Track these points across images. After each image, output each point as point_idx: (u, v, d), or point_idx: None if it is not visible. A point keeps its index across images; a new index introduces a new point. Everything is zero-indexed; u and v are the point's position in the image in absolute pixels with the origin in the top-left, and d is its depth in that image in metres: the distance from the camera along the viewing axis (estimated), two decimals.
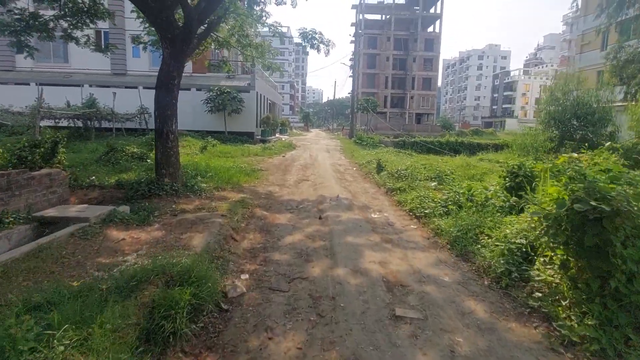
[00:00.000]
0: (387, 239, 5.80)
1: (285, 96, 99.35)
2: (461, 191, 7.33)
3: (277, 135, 31.97)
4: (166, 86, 7.53)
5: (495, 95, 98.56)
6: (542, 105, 14.26)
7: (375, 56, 60.95)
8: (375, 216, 7.23)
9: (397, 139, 22.69)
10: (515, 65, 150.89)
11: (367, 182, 11.59)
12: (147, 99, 23.64)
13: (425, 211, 6.81)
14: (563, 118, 13.57)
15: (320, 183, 10.94)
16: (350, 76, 69.54)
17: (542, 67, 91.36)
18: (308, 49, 11.56)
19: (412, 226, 6.55)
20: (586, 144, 14.94)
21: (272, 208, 7.73)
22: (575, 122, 13.48)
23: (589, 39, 32.69)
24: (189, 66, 25.46)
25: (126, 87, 24.02)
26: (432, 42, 61.21)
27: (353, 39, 67.97)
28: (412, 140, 22.19)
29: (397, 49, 60.90)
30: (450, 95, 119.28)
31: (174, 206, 6.86)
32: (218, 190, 8.66)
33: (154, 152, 12.92)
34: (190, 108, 24.12)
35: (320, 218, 6.89)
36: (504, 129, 72.69)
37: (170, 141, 7.66)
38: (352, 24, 67.85)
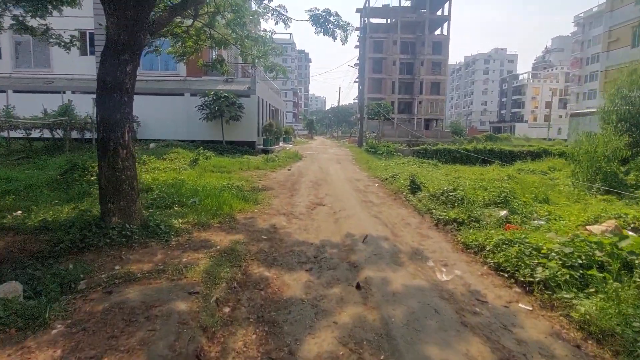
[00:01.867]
0: (503, 350, 3.04)
1: (288, 103, 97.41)
2: (581, 236, 4.61)
3: (281, 144, 29.38)
4: (113, 75, 4.88)
5: (504, 99, 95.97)
6: (607, 105, 11.62)
7: (381, 60, 58.63)
8: (446, 278, 4.48)
9: (418, 147, 20.04)
10: (522, 69, 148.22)
11: (400, 205, 8.85)
12: (135, 105, 21.16)
13: (536, 274, 4.06)
14: (636, 120, 10.89)
15: (341, 209, 8.22)
16: (355, 81, 67.31)
17: (552, 70, 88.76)
18: (322, 34, 8.91)
19: (521, 306, 3.78)
20: None
21: (278, 261, 5.01)
22: None
23: (618, 35, 30.08)
24: (182, 69, 23.08)
25: None
26: (440, 45, 58.83)
27: (358, 43, 65.91)
28: (435, 148, 19.51)
29: (403, 52, 58.57)
30: (456, 100, 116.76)
31: (117, 268, 4.18)
32: (199, 230, 5.96)
33: None
34: (184, 116, 21.61)
35: (358, 287, 4.15)
36: (513, 134, 69.94)
37: (122, 160, 4.98)
38: (357, 28, 65.79)
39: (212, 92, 20.04)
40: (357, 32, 65.11)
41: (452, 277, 4.54)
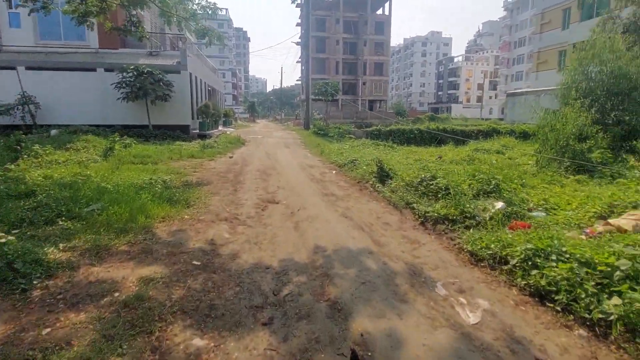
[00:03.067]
0: None
1: (227, 85, 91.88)
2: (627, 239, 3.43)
3: (220, 128, 26.56)
4: None
5: (440, 81, 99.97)
6: (566, 81, 11.22)
7: (324, 39, 56.69)
8: (474, 320, 3.02)
9: (371, 128, 18.83)
10: (456, 52, 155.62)
11: (370, 198, 7.36)
12: (33, 83, 17.12)
13: (608, 309, 2.75)
14: (597, 97, 10.55)
15: (300, 207, 6.49)
16: (298, 61, 64.78)
17: (483, 53, 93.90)
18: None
19: None
20: (623, 130, 12.22)
21: (217, 311, 3.15)
22: (608, 103, 10.53)
23: (550, 17, 31.44)
24: (93, 39, 19.20)
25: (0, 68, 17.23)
26: (383, 25, 58.43)
27: (300, 21, 63.02)
28: (388, 129, 18.45)
29: (347, 32, 57.18)
30: (396, 82, 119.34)
31: None
32: (92, 260, 3.89)
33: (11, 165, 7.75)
34: (98, 95, 18.05)
35: (355, 358, 2.50)
36: (450, 115, 73.11)
37: None
38: (298, 5, 62.76)
39: (133, 67, 16.77)
40: (299, 9, 62.33)
41: (481, 314, 3.09)
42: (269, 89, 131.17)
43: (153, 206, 5.79)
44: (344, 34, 57.08)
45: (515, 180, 7.09)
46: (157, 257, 4.14)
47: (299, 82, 70.63)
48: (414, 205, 6.04)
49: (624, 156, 10.06)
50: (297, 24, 63.02)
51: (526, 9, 66.22)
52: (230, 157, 13.24)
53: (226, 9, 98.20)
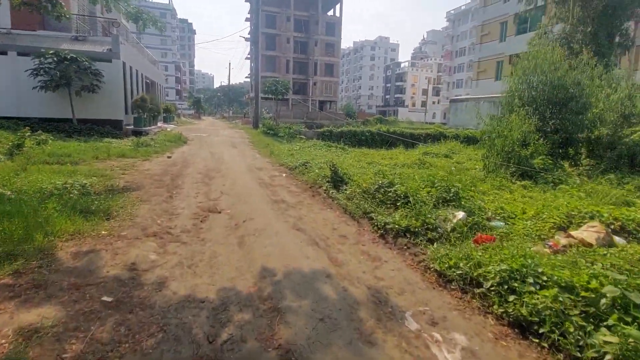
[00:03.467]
0: None
1: (170, 79, 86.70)
2: (610, 253, 3.20)
3: (159, 124, 24.48)
4: None
5: (388, 85, 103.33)
6: (510, 89, 11.62)
7: (274, 37, 55.52)
8: None
9: (322, 129, 18.36)
10: (402, 57, 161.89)
11: (324, 205, 6.77)
12: None
13: (601, 346, 2.40)
14: (538, 106, 11.04)
15: (247, 218, 5.70)
16: (247, 58, 62.74)
17: (427, 60, 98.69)
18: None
19: None
20: (561, 137, 12.89)
21: None
22: (548, 112, 11.09)
23: (489, 29, 33.54)
24: (4, 17, 16.52)
25: None
26: (334, 26, 58.69)
27: (248, 16, 61.05)
28: (339, 130, 18.12)
29: (297, 30, 56.54)
30: (346, 84, 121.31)
31: None
32: None
33: None
34: (9, 83, 15.52)
35: None
36: (397, 118, 75.75)
37: None
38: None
39: (52, 52, 14.59)
40: (248, 4, 60.42)
41: (460, 355, 2.62)
42: (217, 85, 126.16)
43: (61, 219, 4.66)
44: (295, 33, 56.39)
45: (472, 188, 6.94)
46: (53, 293, 3.15)
47: (248, 80, 68.58)
48: (372, 215, 5.56)
49: (561, 162, 10.60)
50: (247, 19, 61.13)
51: (466, 21, 70.73)
52: (169, 157, 11.93)
53: None
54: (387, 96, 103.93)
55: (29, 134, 10.65)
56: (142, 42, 75.43)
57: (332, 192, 7.18)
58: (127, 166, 9.78)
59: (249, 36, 55.00)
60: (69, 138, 13.67)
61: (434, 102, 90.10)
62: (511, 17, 30.67)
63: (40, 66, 14.48)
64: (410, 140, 18.55)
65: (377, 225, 5.32)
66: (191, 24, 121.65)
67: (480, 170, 11.79)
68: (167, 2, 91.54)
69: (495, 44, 32.79)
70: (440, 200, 5.84)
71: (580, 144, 11.11)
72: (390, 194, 6.12)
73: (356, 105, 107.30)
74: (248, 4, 61.22)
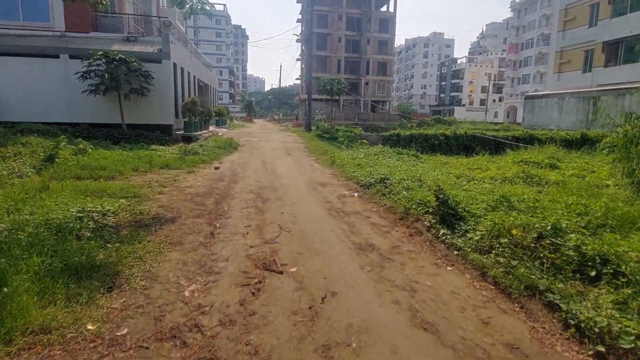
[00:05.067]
0: None
1: (224, 83, 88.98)
2: None
3: (211, 128, 23.48)
4: None
5: (443, 83, 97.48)
6: None
7: (326, 36, 53.76)
8: None
9: (389, 133, 15.84)
10: (458, 53, 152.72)
11: (438, 258, 4.35)
12: None
13: None
14: None
15: (327, 291, 3.47)
16: (298, 59, 61.78)
17: (487, 55, 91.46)
18: None
19: None
20: None
21: None
22: None
23: (574, 13, 28.71)
24: (59, 20, 16.12)
25: None
26: (387, 23, 55.59)
27: (300, 17, 60.06)
28: (409, 134, 15.48)
29: (349, 28, 54.26)
30: (397, 83, 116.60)
31: None
32: None
33: None
34: (61, 87, 14.97)
35: None
36: (455, 117, 70.38)
37: None
38: (298, 0, 59.79)
39: (101, 53, 13.70)
40: (300, 5, 59.47)
41: None
42: (267, 88, 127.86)
43: (28, 299, 2.78)
44: (347, 31, 54.17)
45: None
46: None
47: (299, 81, 67.67)
48: (555, 298, 3.07)
49: None
50: (298, 20, 60.18)
51: (534, 9, 63.78)
52: (217, 169, 10.20)
53: (224, 5, 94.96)
54: (442, 95, 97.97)
55: (64, 142, 9.45)
56: (200, 48, 78.04)
57: (444, 234, 4.75)
58: (168, 181, 8.11)
59: (299, 37, 53.88)
60: (114, 145, 12.59)
61: (494, 100, 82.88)
62: None
63: (89, 68, 13.66)
64: (493, 145, 15.42)
65: (567, 320, 2.83)
66: (244, 29, 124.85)
67: (619, 187, 8.68)
68: (222, 9, 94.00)
69: (584, 30, 27.91)
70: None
71: None
72: (566, 251, 3.56)
73: (408, 105, 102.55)
74: (299, 6, 60.38)
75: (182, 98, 17.93)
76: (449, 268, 4.08)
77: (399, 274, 3.89)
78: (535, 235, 3.81)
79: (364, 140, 16.01)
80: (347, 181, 9.10)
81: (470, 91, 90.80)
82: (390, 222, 5.77)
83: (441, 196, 5.09)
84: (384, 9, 57.71)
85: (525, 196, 6.10)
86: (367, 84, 56.45)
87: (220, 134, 20.49)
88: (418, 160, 12.69)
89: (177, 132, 16.27)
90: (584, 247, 3.52)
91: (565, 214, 5.19)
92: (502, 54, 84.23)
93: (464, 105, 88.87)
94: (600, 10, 26.57)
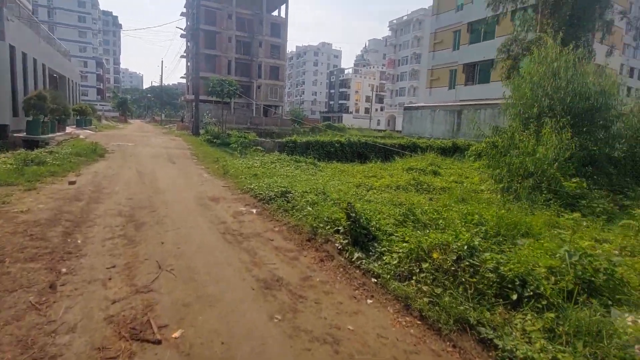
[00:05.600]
0: None
1: (89, 76, 76.57)
2: None
3: (69, 129, 19.30)
4: None
5: (332, 91, 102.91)
6: (525, 95, 9.69)
7: (215, 34, 50.89)
8: None
9: (285, 140, 15.21)
10: (345, 64, 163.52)
11: (356, 290, 3.78)
12: None
13: None
14: (558, 117, 9.27)
15: None
16: (182, 56, 56.86)
17: (370, 67, 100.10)
18: None
19: None
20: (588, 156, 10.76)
21: None
22: (567, 124, 9.38)
23: (442, 37, 33.19)
24: None
25: None
26: (279, 28, 55.69)
27: (184, 10, 55.44)
28: (305, 140, 15.17)
29: (240, 29, 52.52)
30: (289, 89, 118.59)
31: None
32: None
33: None
34: None
35: None
36: (342, 123, 74.83)
37: None
38: None
39: None
40: None
41: None
42: (147, 85, 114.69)
43: None
44: (238, 32, 52.30)
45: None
46: None
47: (184, 80, 62.43)
48: (492, 337, 2.77)
49: (594, 188, 8.83)
50: (182, 14, 55.56)
51: (408, 31, 72.45)
52: (71, 183, 7.98)
53: None
54: (332, 102, 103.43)
55: None
56: (56, 33, 65.03)
57: (359, 258, 4.26)
58: None
59: (184, 31, 49.77)
60: None
61: (376, 109, 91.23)
62: (464, 26, 30.55)
63: None
64: (383, 152, 16.32)
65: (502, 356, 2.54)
66: (116, 17, 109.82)
67: (491, 192, 9.78)
68: None
69: (449, 52, 32.50)
70: (581, 288, 3.24)
71: (610, 164, 9.51)
72: (485, 273, 3.38)
73: (300, 110, 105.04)
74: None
75: (22, 91, 14.10)
76: (369, 301, 3.56)
77: (316, 319, 3.18)
78: (454, 258, 3.56)
79: (259, 147, 15.11)
80: (243, 194, 8.10)
81: (357, 100, 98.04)
82: (296, 245, 5.07)
83: (353, 215, 4.61)
84: (275, 13, 57.67)
85: (427, 207, 6.14)
86: (259, 87, 55.45)
87: (82, 137, 16.92)
88: (316, 168, 12.43)
89: (17, 135, 12.65)
90: (501, 268, 3.38)
91: (464, 224, 5.30)
92: (382, 68, 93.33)
93: (351, 112, 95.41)
94: (461, 37, 31.26)
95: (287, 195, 7.07)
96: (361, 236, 4.51)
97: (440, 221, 5.39)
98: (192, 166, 12.10)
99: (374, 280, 3.89)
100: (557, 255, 3.53)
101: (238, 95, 27.79)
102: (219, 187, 8.83)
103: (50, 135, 14.00)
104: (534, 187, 8.10)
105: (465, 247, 3.71)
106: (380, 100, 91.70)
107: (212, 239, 5.10)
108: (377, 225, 4.89)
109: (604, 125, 9.10)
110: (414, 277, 3.65)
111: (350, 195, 7.53)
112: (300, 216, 5.89)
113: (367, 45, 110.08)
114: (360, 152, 15.98)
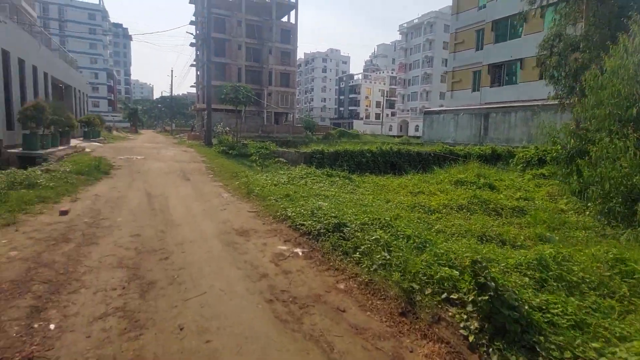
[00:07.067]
0: None
1: (101, 88, 76.63)
2: None
3: (75, 142, 17.91)
4: None
5: (341, 97, 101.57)
6: (601, 96, 7.86)
7: (224, 42, 49.91)
8: None
9: (310, 150, 13.55)
10: (354, 70, 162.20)
11: None
12: None
13: None
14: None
15: None
16: (192, 65, 56.02)
17: (380, 72, 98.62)
18: None
19: None
20: None
21: None
22: None
23: (463, 37, 31.39)
24: None
25: None
26: (289, 34, 54.55)
27: (193, 18, 54.70)
28: (333, 150, 13.45)
29: (250, 36, 51.48)
30: (298, 95, 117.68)
31: None
32: None
33: None
34: None
35: None
36: (355, 129, 73.17)
37: None
38: (191, 1, 54.51)
39: None
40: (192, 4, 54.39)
41: None
42: (157, 96, 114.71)
43: None
44: (247, 39, 51.27)
45: None
46: None
47: (193, 89, 61.61)
48: None
49: None
50: (191, 22, 54.84)
51: (419, 34, 70.78)
52: (63, 213, 6.33)
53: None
54: (341, 108, 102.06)
55: None
56: (67, 46, 64.93)
57: None
58: None
59: (194, 39, 48.87)
60: None
61: (387, 115, 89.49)
62: (488, 24, 28.74)
63: None
64: (418, 161, 14.50)
65: None
66: (126, 29, 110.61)
67: (577, 213, 7.94)
68: (97, 2, 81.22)
69: (471, 52, 30.67)
70: None
71: None
72: None
73: (310, 118, 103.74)
74: (192, 7, 55.05)
75: (23, 102, 12.68)
76: None
77: None
78: None
79: (280, 159, 13.41)
80: (278, 224, 6.36)
81: (367, 106, 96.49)
82: (386, 322, 3.28)
83: (489, 283, 2.81)
84: (284, 19, 56.61)
85: (550, 251, 4.31)
86: (270, 94, 54.18)
87: (88, 150, 15.47)
88: (353, 183, 10.67)
89: (11, 151, 11.17)
90: None
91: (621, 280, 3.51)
92: (392, 73, 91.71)
93: (361, 118, 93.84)
94: (485, 36, 29.42)
95: (341, 227, 5.31)
96: (509, 322, 2.71)
97: (593, 278, 3.60)
98: (208, 184, 10.43)
99: None
100: None
101: (253, 101, 26.29)
102: (245, 214, 7.11)
103: (50, 149, 12.51)
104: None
105: None
106: (391, 105, 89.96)
107: (255, 315, 3.34)
108: (513, 293, 3.08)
109: None
110: None
111: (414, 224, 5.80)
112: (375, 266, 4.12)
113: (375, 50, 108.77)
114: (393, 162, 14.19)
